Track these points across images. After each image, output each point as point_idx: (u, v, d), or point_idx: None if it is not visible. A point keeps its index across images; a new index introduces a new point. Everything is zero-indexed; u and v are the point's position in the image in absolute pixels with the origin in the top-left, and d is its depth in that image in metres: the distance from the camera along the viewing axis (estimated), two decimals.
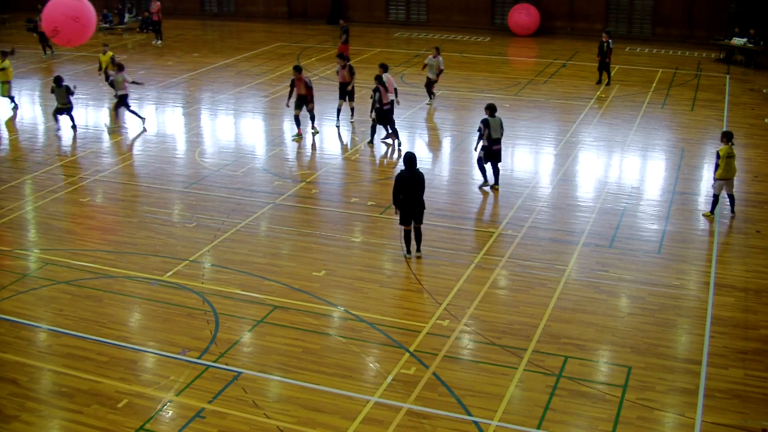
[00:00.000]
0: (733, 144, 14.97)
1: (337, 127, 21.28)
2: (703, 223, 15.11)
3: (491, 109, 16.29)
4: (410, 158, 13.15)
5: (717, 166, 14.90)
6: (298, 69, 19.91)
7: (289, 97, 20.16)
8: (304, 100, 20.17)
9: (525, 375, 10.34)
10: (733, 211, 15.32)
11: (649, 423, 9.42)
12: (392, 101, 19.31)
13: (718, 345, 11.01)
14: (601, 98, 24.03)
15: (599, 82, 25.74)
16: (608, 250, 13.90)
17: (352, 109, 21.60)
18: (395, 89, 19.70)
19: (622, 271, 13.25)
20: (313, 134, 20.62)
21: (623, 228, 14.77)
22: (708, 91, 25.19)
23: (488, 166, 16.60)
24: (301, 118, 20.26)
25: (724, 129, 15.43)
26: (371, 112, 19.33)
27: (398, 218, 13.44)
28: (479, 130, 16.25)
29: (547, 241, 14.28)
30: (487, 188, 16.71)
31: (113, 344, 11.06)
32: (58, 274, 13.04)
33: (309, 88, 19.99)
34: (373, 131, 19.67)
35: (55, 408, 9.75)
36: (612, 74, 26.97)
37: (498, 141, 16.32)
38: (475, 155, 16.89)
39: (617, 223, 14.96)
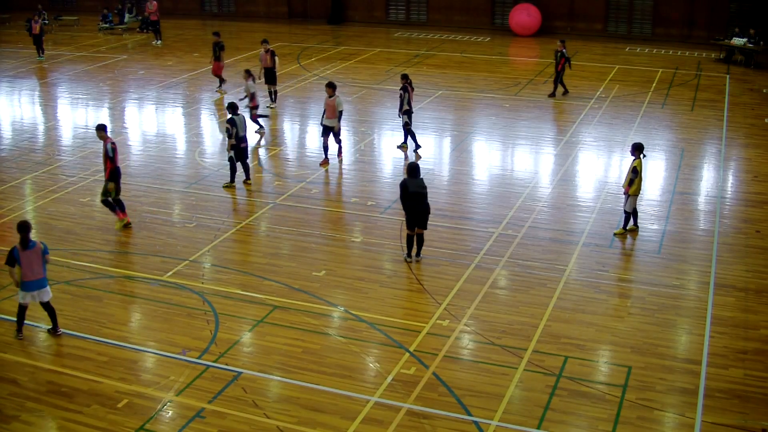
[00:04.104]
0: (644, 156, 14.14)
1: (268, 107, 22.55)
2: (703, 223, 15.11)
3: (233, 108, 16.61)
4: (414, 168, 13.19)
5: (632, 181, 13.84)
6: (102, 128, 14.69)
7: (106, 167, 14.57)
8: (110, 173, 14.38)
9: (525, 375, 10.34)
10: (636, 224, 14.47)
11: (649, 423, 9.42)
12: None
13: (718, 345, 11.00)
14: (601, 98, 24.02)
15: (552, 94, 24.02)
16: (608, 250, 13.90)
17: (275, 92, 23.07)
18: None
19: (622, 271, 13.26)
20: (123, 225, 14.86)
21: None
22: (708, 91, 25.18)
23: (238, 165, 16.82)
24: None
25: (635, 142, 14.23)
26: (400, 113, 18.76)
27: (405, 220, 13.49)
28: (227, 130, 16.46)
29: (547, 241, 14.27)
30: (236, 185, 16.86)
31: (113, 344, 11.05)
32: (58, 274, 13.02)
33: (108, 157, 14.36)
34: (407, 134, 19.04)
35: (55, 408, 9.74)
36: (611, 76, 27.00)
37: (245, 138, 16.84)
38: (227, 155, 16.93)
39: (617, 223, 14.94)
